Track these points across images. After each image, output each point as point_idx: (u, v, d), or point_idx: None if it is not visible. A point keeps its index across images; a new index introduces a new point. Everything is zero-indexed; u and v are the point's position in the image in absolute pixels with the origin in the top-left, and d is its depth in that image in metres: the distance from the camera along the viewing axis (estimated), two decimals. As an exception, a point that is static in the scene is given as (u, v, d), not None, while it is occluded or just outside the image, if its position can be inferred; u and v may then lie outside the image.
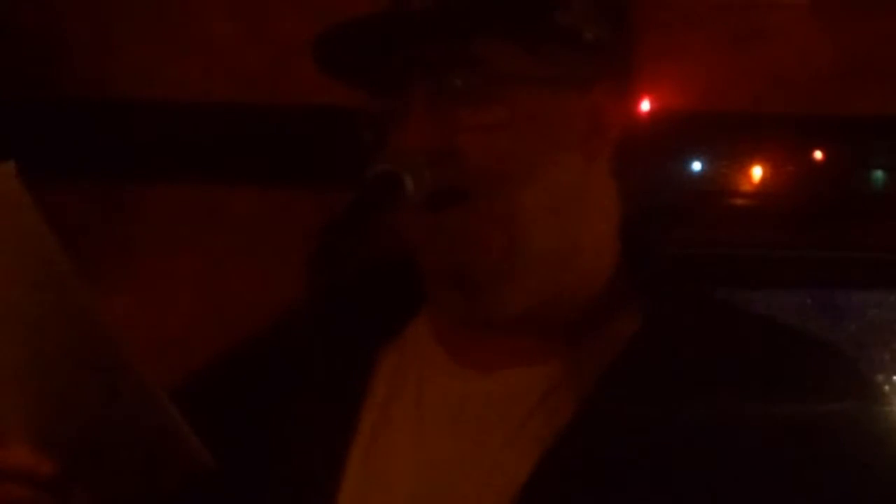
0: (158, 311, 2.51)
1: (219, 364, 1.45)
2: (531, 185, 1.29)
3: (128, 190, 2.60)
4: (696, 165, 2.55)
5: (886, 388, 2.77)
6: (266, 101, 2.55)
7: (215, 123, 2.56)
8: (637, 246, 1.37)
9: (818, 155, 2.53)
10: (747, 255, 2.61)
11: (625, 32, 1.35)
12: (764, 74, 2.54)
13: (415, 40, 1.29)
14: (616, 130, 1.33)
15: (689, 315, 1.33)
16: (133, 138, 2.56)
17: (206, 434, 1.26)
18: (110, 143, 2.56)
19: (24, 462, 1.25)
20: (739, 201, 2.57)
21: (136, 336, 1.24)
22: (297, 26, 2.51)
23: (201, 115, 2.56)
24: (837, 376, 1.30)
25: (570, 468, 1.25)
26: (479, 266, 1.30)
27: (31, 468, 1.25)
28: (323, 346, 1.36)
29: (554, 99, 1.30)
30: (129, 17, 2.59)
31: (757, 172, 2.55)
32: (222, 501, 1.33)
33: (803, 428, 1.25)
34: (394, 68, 1.30)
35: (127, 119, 2.56)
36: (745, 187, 2.56)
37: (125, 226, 2.59)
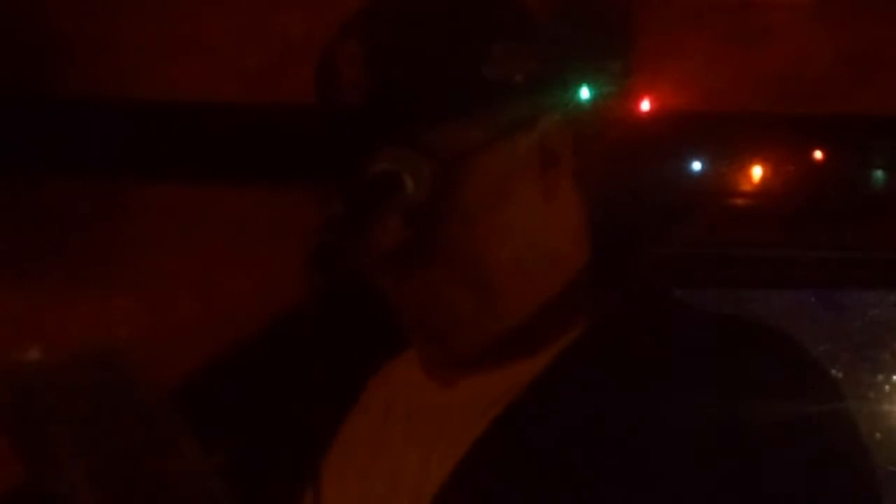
0: (158, 311, 2.51)
1: (218, 364, 1.45)
2: (495, 244, 1.30)
3: (127, 190, 2.60)
4: (696, 165, 2.55)
5: (887, 388, 2.77)
6: (266, 101, 2.55)
7: (215, 123, 2.56)
8: (602, 251, 1.37)
9: (818, 155, 2.53)
10: (747, 255, 2.61)
11: (555, 57, 1.33)
12: (764, 74, 2.54)
13: (359, 142, 1.28)
14: (572, 151, 1.33)
15: (633, 316, 1.33)
16: (133, 138, 2.56)
17: (204, 433, 1.26)
18: (110, 142, 2.56)
19: None
20: (739, 201, 2.57)
21: (136, 336, 1.24)
22: (297, 26, 2.51)
23: (201, 115, 2.56)
24: (784, 368, 1.28)
25: (489, 466, 1.26)
26: (447, 325, 1.31)
27: None
28: (330, 350, 1.37)
29: (506, 151, 1.30)
30: (128, 17, 2.59)
31: (757, 172, 2.55)
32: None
33: (736, 423, 1.23)
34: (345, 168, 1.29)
35: (127, 119, 2.56)
36: (745, 187, 2.56)
37: (125, 225, 2.59)
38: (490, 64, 1.28)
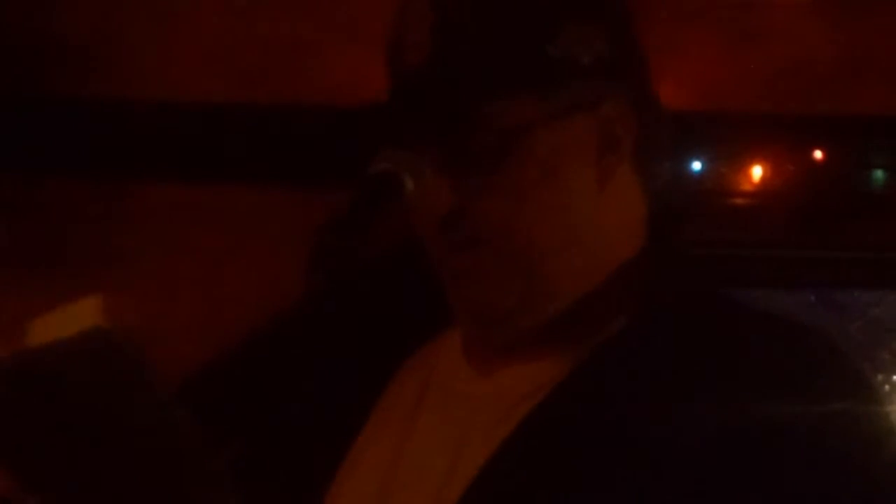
0: (158, 311, 2.51)
1: (219, 363, 1.45)
2: (546, 224, 1.28)
3: (127, 190, 2.60)
4: (696, 165, 2.55)
5: (886, 388, 2.77)
6: (266, 101, 2.55)
7: (215, 123, 2.56)
8: (653, 243, 1.35)
9: (818, 155, 2.54)
10: (747, 255, 2.61)
11: (625, 42, 1.32)
12: (764, 74, 2.54)
13: (416, 108, 1.28)
14: (632, 137, 1.31)
15: (672, 312, 1.31)
16: (133, 138, 2.56)
17: (206, 431, 1.26)
18: (110, 142, 2.57)
19: None
20: (739, 201, 2.57)
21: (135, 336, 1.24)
22: (297, 26, 2.51)
23: (201, 115, 2.56)
24: (825, 369, 1.26)
25: (515, 470, 1.24)
26: (498, 307, 1.29)
27: None
28: (346, 344, 1.37)
29: (564, 131, 1.28)
30: (128, 17, 2.59)
31: (757, 172, 2.56)
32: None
33: (781, 426, 1.20)
34: (401, 133, 1.28)
35: (127, 119, 2.56)
36: (745, 187, 2.57)
37: (125, 226, 2.59)
38: (558, 43, 1.27)
